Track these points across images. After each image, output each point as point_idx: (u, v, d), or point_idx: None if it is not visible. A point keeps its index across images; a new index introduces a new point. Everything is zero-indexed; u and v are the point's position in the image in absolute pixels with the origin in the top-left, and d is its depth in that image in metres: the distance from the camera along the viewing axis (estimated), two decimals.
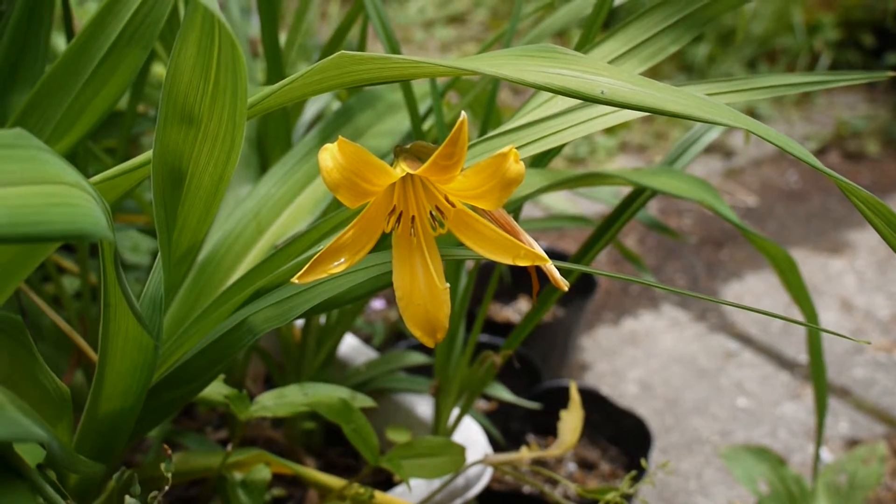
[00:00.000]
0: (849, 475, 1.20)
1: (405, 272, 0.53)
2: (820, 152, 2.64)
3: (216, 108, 0.51)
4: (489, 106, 0.84)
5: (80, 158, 0.80)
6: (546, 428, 1.29)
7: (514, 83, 0.55)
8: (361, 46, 0.92)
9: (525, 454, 0.82)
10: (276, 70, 0.86)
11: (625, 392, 1.64)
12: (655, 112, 0.51)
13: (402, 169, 0.52)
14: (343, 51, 0.52)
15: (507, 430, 1.26)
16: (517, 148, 0.62)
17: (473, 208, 0.53)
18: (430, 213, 0.53)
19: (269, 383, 1.14)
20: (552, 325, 1.57)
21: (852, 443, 1.53)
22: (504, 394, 1.08)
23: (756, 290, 1.99)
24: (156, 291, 0.58)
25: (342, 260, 0.51)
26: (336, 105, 1.15)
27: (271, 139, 0.90)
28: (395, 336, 1.63)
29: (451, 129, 0.48)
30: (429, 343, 0.54)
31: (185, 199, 0.55)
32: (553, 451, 0.83)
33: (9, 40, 0.71)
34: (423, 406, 1.01)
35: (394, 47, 0.77)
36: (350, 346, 1.12)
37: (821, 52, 2.87)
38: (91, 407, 0.61)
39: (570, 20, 0.92)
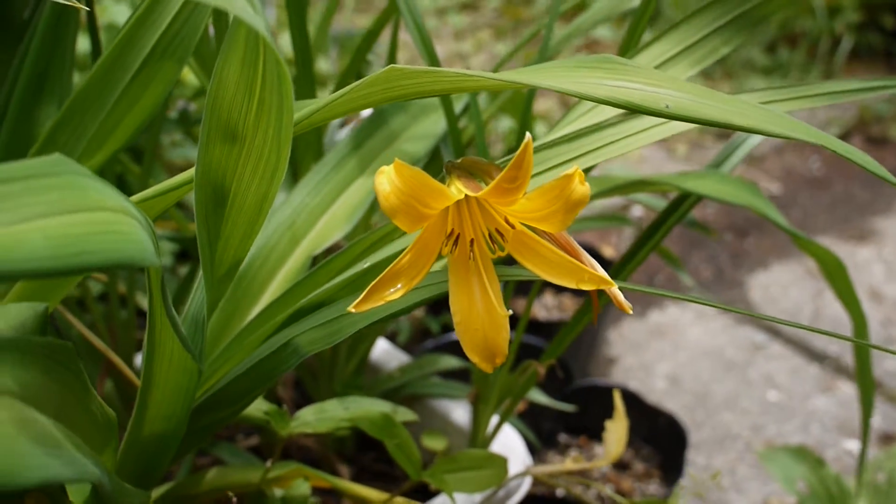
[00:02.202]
0: (888, 473, 1.18)
1: (463, 296, 0.51)
2: (843, 137, 2.60)
3: (261, 126, 0.49)
4: (526, 109, 0.82)
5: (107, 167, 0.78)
6: (578, 427, 1.28)
7: (574, 97, 0.53)
8: (392, 49, 0.89)
9: (569, 465, 0.80)
10: (306, 75, 0.84)
11: (653, 387, 1.62)
12: (722, 126, 0.48)
13: (460, 190, 0.49)
14: (393, 65, 0.50)
15: (538, 429, 1.24)
16: (570, 160, 0.60)
17: (533, 229, 0.50)
18: (489, 234, 0.51)
19: (299, 388, 1.12)
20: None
21: (886, 437, 1.50)
22: (539, 396, 1.06)
23: (782, 279, 1.96)
24: (198, 311, 0.56)
25: (399, 286, 0.49)
26: None
27: (302, 144, 0.88)
28: (421, 334, 1.61)
29: (514, 146, 0.45)
30: (487, 369, 0.52)
31: (229, 218, 0.53)
32: (598, 462, 0.82)
33: (36, 52, 0.69)
34: (459, 411, 1.00)
35: (430, 52, 0.75)
36: (381, 349, 1.10)
37: (842, 35, 2.82)
38: (134, 430, 0.59)
39: (607, 16, 0.90)
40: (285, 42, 1.53)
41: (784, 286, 1.94)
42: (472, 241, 0.50)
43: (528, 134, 0.45)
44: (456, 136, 0.81)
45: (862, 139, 2.61)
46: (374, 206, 0.81)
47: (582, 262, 0.50)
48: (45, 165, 0.37)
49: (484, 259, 0.51)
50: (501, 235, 0.50)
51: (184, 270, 1.28)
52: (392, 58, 0.89)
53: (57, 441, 0.41)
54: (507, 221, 0.50)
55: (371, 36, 0.88)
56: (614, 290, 0.50)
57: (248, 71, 0.48)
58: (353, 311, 0.48)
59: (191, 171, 0.54)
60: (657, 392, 1.60)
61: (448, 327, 1.50)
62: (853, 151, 0.48)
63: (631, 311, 0.50)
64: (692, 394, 1.60)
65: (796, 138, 0.48)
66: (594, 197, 0.70)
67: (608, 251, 1.94)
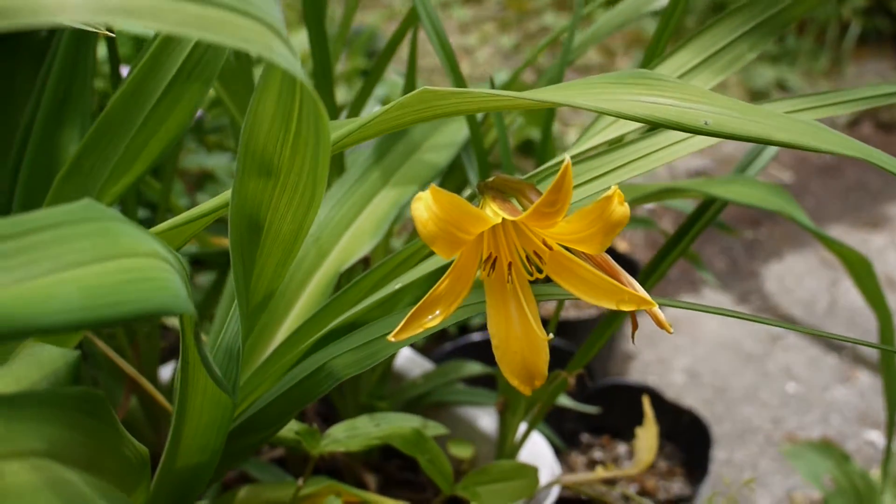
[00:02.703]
0: None
1: (500, 319, 0.51)
2: (853, 123, 2.59)
3: (296, 161, 0.49)
4: (549, 118, 0.81)
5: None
6: (600, 426, 1.27)
7: (610, 115, 0.52)
8: (412, 59, 0.89)
9: (599, 474, 0.80)
10: (325, 80, 0.83)
11: (672, 381, 1.62)
12: (763, 142, 0.48)
13: (497, 213, 0.49)
14: (426, 87, 0.49)
15: (561, 429, 1.23)
16: (600, 176, 0.59)
17: (570, 249, 0.50)
18: (526, 256, 0.50)
19: (324, 398, 1.12)
20: (597, 317, 1.54)
21: None
22: (564, 400, 1.06)
23: (797, 269, 1.96)
24: (232, 342, 0.56)
25: (437, 312, 0.49)
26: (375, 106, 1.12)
27: None
28: (438, 334, 1.61)
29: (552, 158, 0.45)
30: (526, 391, 0.52)
31: (263, 249, 0.53)
32: (629, 471, 0.81)
33: (57, 75, 0.69)
34: (486, 419, 0.99)
35: (451, 62, 0.74)
36: (404, 356, 1.10)
37: (850, 20, 2.81)
38: (167, 462, 0.59)
39: (627, 19, 0.89)
40: (297, 41, 1.52)
41: (799, 276, 1.94)
42: (509, 263, 0.50)
43: (566, 157, 0.45)
44: (479, 144, 0.81)
45: (872, 125, 2.60)
46: (398, 218, 0.81)
47: (621, 281, 0.50)
48: (75, 212, 0.36)
49: (521, 281, 0.51)
50: (539, 257, 0.50)
51: (202, 279, 1.28)
52: (412, 65, 0.89)
53: (87, 500, 0.40)
54: (544, 242, 0.50)
55: (392, 45, 0.88)
56: (655, 309, 0.49)
57: (284, 108, 0.47)
58: (393, 339, 0.47)
59: (221, 197, 0.54)
60: (676, 387, 1.60)
61: (466, 328, 1.50)
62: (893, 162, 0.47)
63: (672, 331, 0.50)
64: (711, 387, 1.60)
65: (837, 153, 0.47)
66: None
67: (622, 245, 1.93)
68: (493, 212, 0.49)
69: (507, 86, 0.99)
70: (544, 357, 0.51)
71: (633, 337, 0.53)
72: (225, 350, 0.55)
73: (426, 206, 0.45)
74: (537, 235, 0.50)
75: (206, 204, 0.55)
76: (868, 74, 2.85)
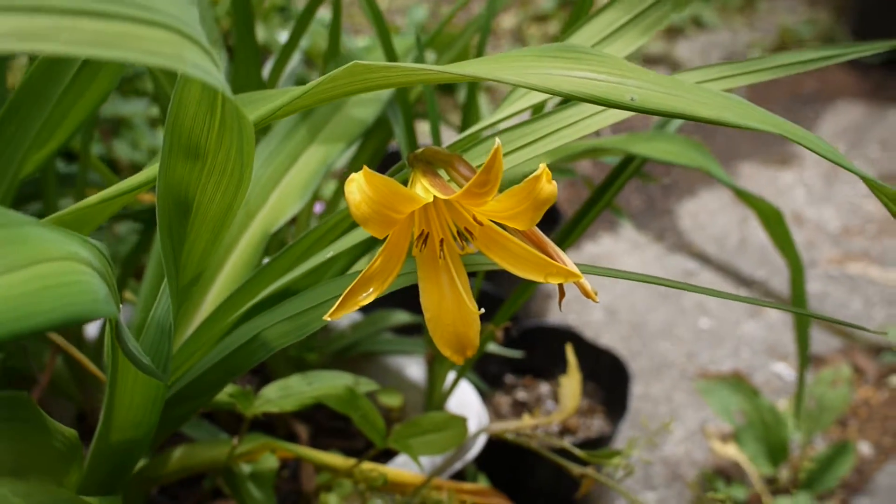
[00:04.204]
0: (817, 399, 1.25)
1: (433, 293, 0.52)
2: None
3: (224, 142, 0.49)
4: (472, 84, 0.81)
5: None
6: (522, 367, 1.31)
7: (538, 91, 0.53)
8: (336, 18, 0.87)
9: (526, 422, 0.83)
10: (249, 43, 0.82)
11: (591, 319, 1.67)
12: (688, 118, 0.49)
13: (428, 191, 0.50)
14: (356, 61, 0.49)
15: (484, 372, 1.27)
16: (524, 147, 0.60)
17: (501, 224, 0.51)
18: (457, 231, 0.51)
19: None
20: None
21: (812, 359, 1.58)
22: (490, 346, 1.09)
23: (710, 206, 2.02)
24: (163, 318, 0.56)
25: (371, 290, 0.49)
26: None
27: None
28: None
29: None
30: (458, 361, 0.53)
31: (192, 229, 0.53)
32: (555, 417, 0.85)
33: None
34: (413, 367, 1.01)
35: (387, 43, 0.73)
36: None
37: None
38: (101, 438, 0.58)
39: None
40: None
41: (712, 213, 2.00)
42: (441, 240, 0.51)
43: (497, 140, 0.46)
44: (404, 99, 0.81)
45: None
46: (326, 177, 0.81)
47: (550, 255, 0.51)
48: None
49: (453, 256, 0.52)
50: (470, 232, 0.51)
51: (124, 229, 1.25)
52: (335, 29, 0.87)
53: None
54: (474, 218, 0.51)
55: (312, 6, 0.86)
56: (583, 281, 0.51)
57: (209, 96, 0.47)
58: (329, 319, 0.48)
59: (150, 171, 0.53)
60: (595, 324, 1.65)
61: None
62: (818, 142, 0.49)
63: (598, 300, 0.52)
64: (628, 324, 1.66)
65: (761, 129, 0.49)
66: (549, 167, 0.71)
67: None
68: (424, 189, 0.50)
69: (436, 35, 0.99)
70: (475, 328, 0.52)
71: (560, 305, 0.55)
72: (157, 325, 0.55)
73: (359, 187, 0.46)
74: (468, 211, 0.51)
75: (136, 177, 0.54)
76: (779, 10, 2.91)
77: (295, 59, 0.99)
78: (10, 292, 0.32)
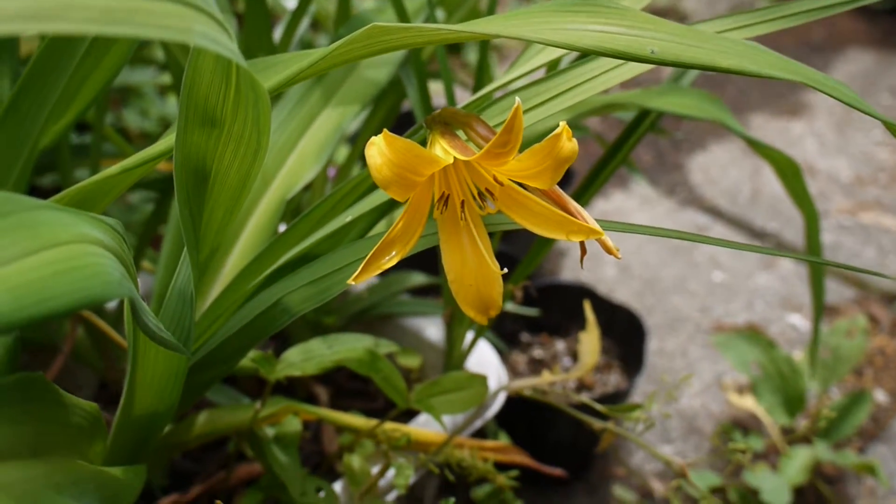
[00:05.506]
0: (833, 349, 1.25)
1: (455, 254, 0.52)
2: None
3: (240, 111, 0.48)
4: (483, 42, 0.80)
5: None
6: (538, 325, 1.32)
7: (558, 47, 0.52)
8: None
9: (546, 378, 0.84)
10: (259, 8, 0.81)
11: (604, 275, 1.67)
12: (709, 69, 0.49)
13: (447, 153, 0.49)
14: (374, 23, 0.49)
15: (501, 331, 1.27)
16: (541, 105, 0.60)
17: (521, 183, 0.51)
18: (477, 192, 0.51)
19: None
20: None
21: (826, 309, 1.58)
22: (507, 305, 1.09)
23: (721, 160, 2.01)
24: (184, 287, 0.56)
25: (394, 253, 0.50)
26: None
27: None
28: None
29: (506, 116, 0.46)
30: (482, 321, 0.54)
31: (210, 198, 0.53)
32: (573, 373, 0.85)
33: None
34: (432, 328, 1.02)
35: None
36: None
37: None
38: (125, 410, 0.59)
39: None
40: None
41: (723, 166, 1.99)
42: (462, 201, 0.51)
43: (517, 99, 0.46)
44: (418, 60, 0.80)
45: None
46: (341, 140, 0.80)
47: (571, 213, 0.51)
48: None
49: (474, 217, 0.52)
50: (490, 193, 0.51)
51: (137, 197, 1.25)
52: None
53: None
54: (495, 178, 0.51)
55: None
56: (605, 238, 0.51)
57: (223, 65, 0.47)
58: (353, 283, 0.49)
59: (166, 141, 0.53)
60: (608, 280, 1.65)
61: None
62: (838, 88, 0.49)
63: (620, 256, 0.52)
64: (641, 280, 1.66)
65: (783, 78, 0.49)
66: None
67: None
68: (444, 150, 0.50)
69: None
70: (498, 289, 0.53)
71: (581, 262, 0.55)
72: (178, 296, 0.55)
73: (379, 151, 0.46)
74: (489, 172, 0.51)
75: (155, 147, 0.54)
76: None
77: (303, 24, 0.98)
78: (22, 279, 0.32)
